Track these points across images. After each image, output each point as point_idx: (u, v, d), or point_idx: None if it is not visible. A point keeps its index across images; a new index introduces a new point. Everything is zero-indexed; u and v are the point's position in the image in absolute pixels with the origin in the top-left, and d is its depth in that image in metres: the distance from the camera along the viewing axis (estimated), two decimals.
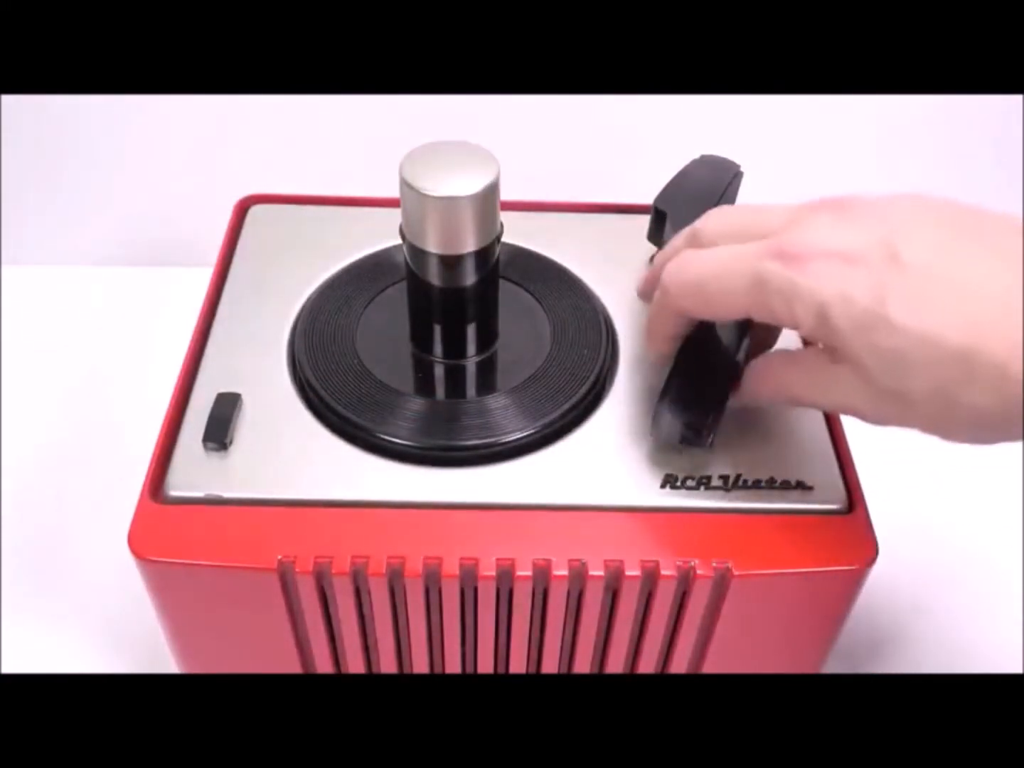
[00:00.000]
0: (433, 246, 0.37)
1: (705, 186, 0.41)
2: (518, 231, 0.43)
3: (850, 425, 0.38)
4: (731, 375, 0.35)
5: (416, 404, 0.38)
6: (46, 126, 0.64)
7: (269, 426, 0.37)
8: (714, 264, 0.32)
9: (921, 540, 0.53)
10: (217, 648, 0.38)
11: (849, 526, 0.35)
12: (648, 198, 0.42)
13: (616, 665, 0.38)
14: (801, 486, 0.36)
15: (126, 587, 0.41)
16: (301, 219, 0.48)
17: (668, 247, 0.36)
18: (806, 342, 0.32)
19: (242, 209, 0.48)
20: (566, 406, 0.38)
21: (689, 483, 0.36)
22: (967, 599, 0.51)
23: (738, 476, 0.36)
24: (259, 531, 0.34)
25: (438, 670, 0.39)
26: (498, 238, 0.38)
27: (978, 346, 0.26)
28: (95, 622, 0.49)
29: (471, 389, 0.41)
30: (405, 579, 0.34)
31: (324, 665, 0.38)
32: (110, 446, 0.57)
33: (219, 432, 0.36)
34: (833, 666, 0.41)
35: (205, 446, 0.36)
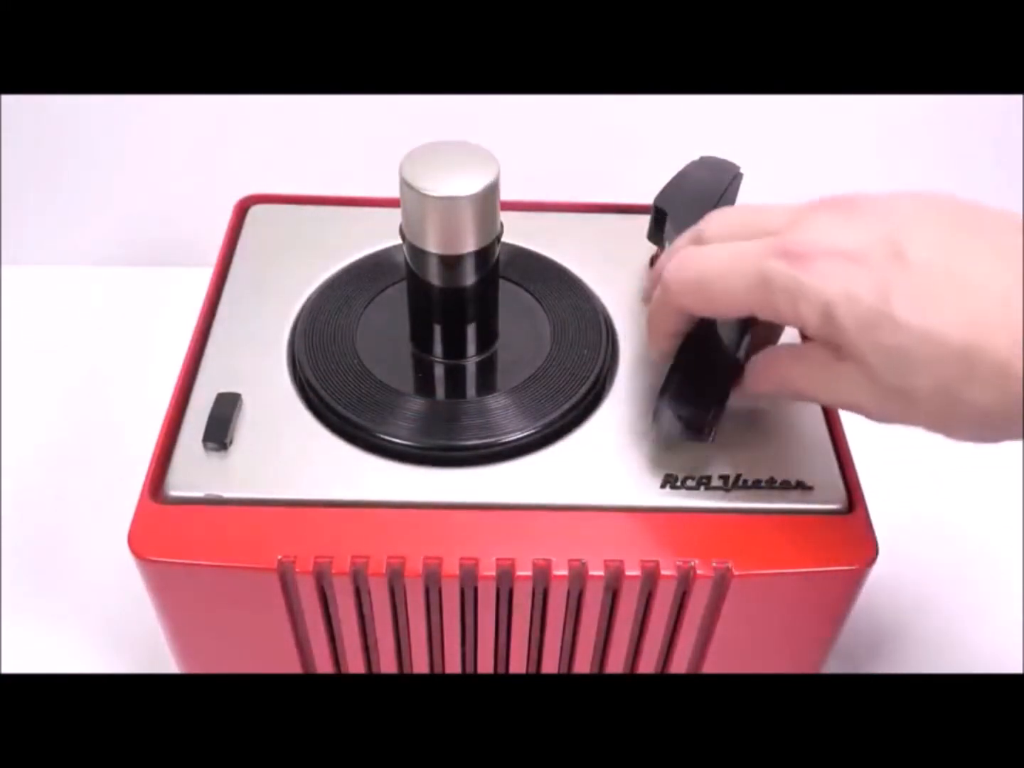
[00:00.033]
0: (433, 246, 0.37)
1: (705, 187, 0.41)
2: (518, 231, 0.43)
3: (850, 425, 0.38)
4: (732, 372, 0.35)
5: (416, 404, 0.38)
6: (46, 126, 0.63)
7: (269, 426, 0.37)
8: (716, 262, 0.32)
9: (921, 540, 0.53)
10: (217, 648, 0.38)
11: (849, 526, 0.35)
12: (648, 198, 0.42)
13: (616, 665, 0.38)
14: (801, 486, 0.36)
15: (126, 587, 0.41)
16: (301, 219, 0.48)
17: (671, 250, 0.36)
18: (805, 338, 0.32)
19: (242, 209, 0.48)
20: (566, 406, 0.38)
21: (689, 483, 0.36)
22: (967, 599, 0.51)
23: (738, 476, 0.36)
24: (259, 531, 0.34)
25: (438, 670, 0.39)
26: (498, 238, 0.38)
27: (980, 344, 0.26)
28: (95, 622, 0.49)
29: (471, 389, 0.41)
30: (405, 579, 0.34)
31: (324, 665, 0.38)
32: (110, 446, 0.57)
33: (219, 432, 0.36)
34: (833, 666, 0.41)
35: (205, 446, 0.36)
